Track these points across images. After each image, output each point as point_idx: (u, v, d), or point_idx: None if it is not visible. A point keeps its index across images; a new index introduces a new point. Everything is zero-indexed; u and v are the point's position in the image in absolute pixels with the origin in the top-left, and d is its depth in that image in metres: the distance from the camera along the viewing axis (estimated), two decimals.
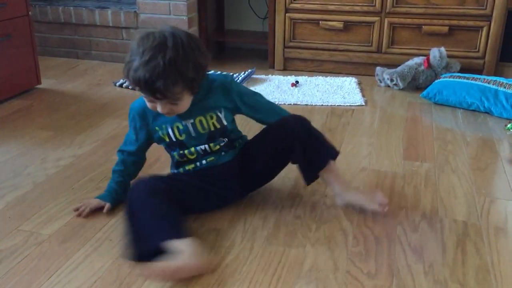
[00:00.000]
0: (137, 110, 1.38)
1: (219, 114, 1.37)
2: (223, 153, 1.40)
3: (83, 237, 1.31)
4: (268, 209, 1.44)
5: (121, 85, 2.56)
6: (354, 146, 1.88)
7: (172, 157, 1.43)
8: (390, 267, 1.21)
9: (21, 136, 1.96)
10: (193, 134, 1.36)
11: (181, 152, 1.39)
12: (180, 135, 1.36)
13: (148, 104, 1.27)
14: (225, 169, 1.40)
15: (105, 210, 1.40)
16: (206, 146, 1.38)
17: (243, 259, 1.23)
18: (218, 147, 1.39)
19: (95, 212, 1.42)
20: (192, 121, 1.35)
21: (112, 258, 1.23)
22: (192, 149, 1.38)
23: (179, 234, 1.18)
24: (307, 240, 1.31)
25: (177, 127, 1.35)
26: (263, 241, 1.30)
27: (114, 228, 1.35)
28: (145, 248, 1.16)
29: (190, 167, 1.41)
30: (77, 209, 1.42)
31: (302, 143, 1.37)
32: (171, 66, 1.17)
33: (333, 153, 1.43)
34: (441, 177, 1.64)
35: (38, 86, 2.52)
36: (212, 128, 1.37)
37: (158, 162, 1.69)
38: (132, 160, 1.46)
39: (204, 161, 1.39)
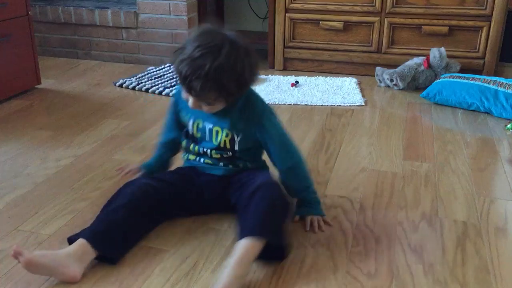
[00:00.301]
0: (176, 96, 1.42)
1: (235, 136, 1.33)
2: (221, 164, 1.37)
3: None
4: None
5: (121, 85, 2.56)
6: (354, 146, 1.88)
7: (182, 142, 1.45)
8: (390, 267, 1.21)
9: (21, 136, 1.96)
10: (206, 138, 1.36)
11: (188, 143, 1.40)
12: (197, 132, 1.37)
13: (183, 93, 1.27)
14: (214, 181, 1.38)
15: (136, 175, 1.45)
16: (209, 150, 1.36)
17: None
18: (218, 156, 1.36)
19: (97, 213, 1.42)
20: (211, 126, 1.34)
21: None
22: (196, 147, 1.38)
23: (94, 240, 1.19)
24: (306, 241, 1.30)
25: (197, 125, 1.36)
26: None
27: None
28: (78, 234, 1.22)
29: (192, 157, 1.41)
30: (120, 169, 1.49)
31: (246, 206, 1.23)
32: (215, 73, 1.15)
33: (257, 233, 1.15)
34: (441, 177, 1.64)
35: (38, 86, 2.52)
36: (222, 145, 1.34)
37: None
38: (168, 144, 1.48)
39: (202, 160, 1.39)
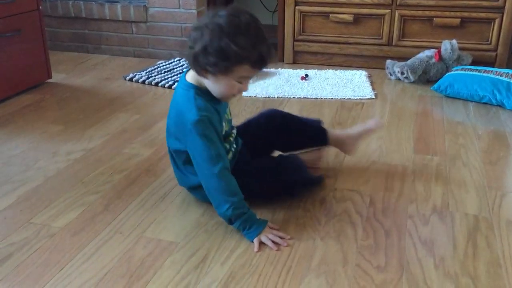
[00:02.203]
0: (209, 118, 1.27)
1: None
2: (236, 137, 1.48)
3: (94, 230, 1.32)
4: (277, 202, 1.44)
5: (131, 79, 2.57)
6: (364, 139, 1.86)
7: None
8: (400, 260, 1.20)
9: (32, 130, 1.97)
10: (228, 121, 1.42)
11: (226, 142, 1.39)
12: (226, 126, 1.39)
13: (234, 88, 1.27)
14: (243, 151, 1.48)
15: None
16: (234, 130, 1.46)
17: (253, 252, 1.23)
18: (235, 128, 1.48)
19: (108, 206, 1.43)
20: (227, 108, 1.42)
21: (122, 251, 1.24)
22: (232, 134, 1.43)
23: None
24: (316, 234, 1.30)
25: (226, 118, 1.39)
26: None
27: (125, 221, 1.36)
28: None
29: (229, 156, 1.39)
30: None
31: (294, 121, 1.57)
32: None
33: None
34: (452, 171, 1.63)
35: (49, 80, 2.54)
36: (231, 116, 1.47)
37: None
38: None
39: (234, 145, 1.44)
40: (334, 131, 1.64)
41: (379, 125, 1.64)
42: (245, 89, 1.30)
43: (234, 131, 1.46)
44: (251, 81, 1.33)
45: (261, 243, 1.26)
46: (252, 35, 1.19)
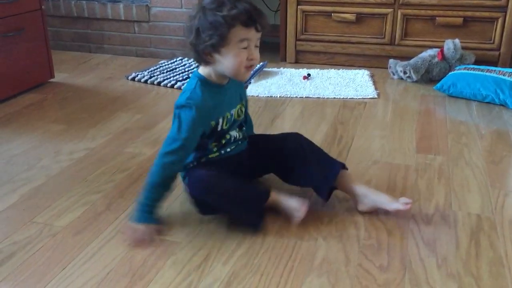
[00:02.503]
0: (194, 108, 1.27)
1: (243, 103, 1.44)
2: (240, 142, 1.43)
3: (96, 229, 1.32)
4: None
5: (133, 79, 2.57)
6: (367, 139, 1.86)
7: (204, 148, 1.37)
8: (403, 260, 1.20)
9: (35, 129, 1.97)
10: (231, 121, 1.38)
11: (216, 141, 1.37)
12: (226, 125, 1.36)
13: (242, 56, 1.24)
14: (241, 157, 1.44)
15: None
16: (235, 134, 1.41)
17: (255, 251, 1.23)
18: (242, 135, 1.44)
19: (111, 205, 1.43)
20: (234, 109, 1.39)
21: (124, 250, 1.24)
22: (227, 135, 1.38)
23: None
24: (318, 233, 1.30)
25: (227, 117, 1.36)
26: (275, 233, 1.30)
27: (127, 220, 1.36)
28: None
29: (214, 155, 1.38)
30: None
31: (309, 156, 1.41)
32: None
33: (341, 164, 1.42)
34: (454, 170, 1.62)
35: (51, 80, 2.54)
36: (241, 117, 1.43)
37: None
38: (181, 162, 1.32)
39: (228, 149, 1.40)
40: (354, 182, 1.39)
41: (405, 207, 1.33)
42: (254, 57, 1.26)
43: (235, 135, 1.40)
44: (256, 49, 1.28)
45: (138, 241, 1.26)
46: (232, 0, 1.23)
